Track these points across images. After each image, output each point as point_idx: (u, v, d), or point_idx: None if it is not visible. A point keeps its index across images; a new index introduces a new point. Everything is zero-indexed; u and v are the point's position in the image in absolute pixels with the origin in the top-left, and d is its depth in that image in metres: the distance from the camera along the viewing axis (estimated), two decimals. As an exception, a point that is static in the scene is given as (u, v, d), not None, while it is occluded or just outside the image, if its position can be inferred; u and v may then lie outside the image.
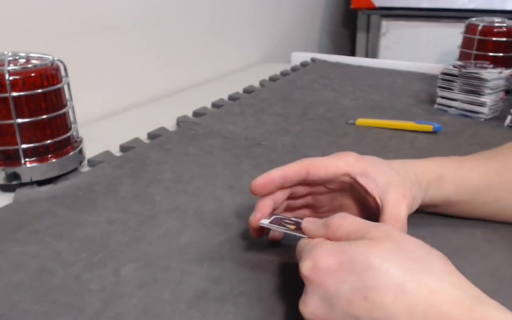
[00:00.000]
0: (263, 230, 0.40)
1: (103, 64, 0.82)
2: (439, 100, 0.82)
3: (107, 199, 0.49)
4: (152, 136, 0.68)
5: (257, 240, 0.41)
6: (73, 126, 0.57)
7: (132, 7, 0.86)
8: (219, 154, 0.62)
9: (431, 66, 1.12)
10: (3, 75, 0.48)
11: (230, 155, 0.61)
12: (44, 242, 0.42)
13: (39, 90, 0.50)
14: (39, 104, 0.51)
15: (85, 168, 0.58)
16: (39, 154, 0.52)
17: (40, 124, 0.51)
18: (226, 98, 0.88)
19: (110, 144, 0.63)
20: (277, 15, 1.40)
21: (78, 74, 0.63)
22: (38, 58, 0.53)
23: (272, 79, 1.04)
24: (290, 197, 0.41)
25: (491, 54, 0.90)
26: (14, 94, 0.49)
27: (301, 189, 0.41)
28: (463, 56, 0.96)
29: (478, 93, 0.77)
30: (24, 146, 0.51)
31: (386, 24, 1.51)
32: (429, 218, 0.45)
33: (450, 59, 0.98)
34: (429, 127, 0.71)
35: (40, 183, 0.52)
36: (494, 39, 0.90)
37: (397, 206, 0.37)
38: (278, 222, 0.37)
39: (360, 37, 1.87)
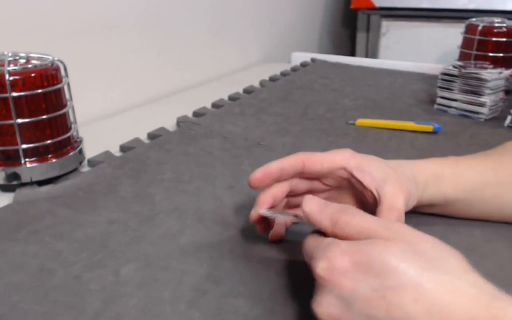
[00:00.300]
0: (267, 226, 0.40)
1: (103, 64, 0.82)
2: (439, 100, 0.82)
3: (107, 199, 0.49)
4: (152, 136, 0.68)
5: (257, 240, 0.41)
6: (73, 126, 0.57)
7: (132, 7, 0.86)
8: (219, 154, 0.62)
9: (431, 66, 1.12)
10: (3, 75, 0.48)
11: (230, 155, 0.61)
12: (44, 242, 0.42)
13: (39, 90, 0.50)
14: (39, 104, 0.51)
15: (85, 168, 0.58)
16: (39, 154, 0.52)
17: (40, 124, 0.51)
18: (226, 98, 0.88)
19: (110, 144, 0.63)
20: (277, 15, 1.40)
21: (78, 74, 0.63)
22: (38, 58, 0.53)
23: (272, 79, 1.04)
24: (289, 195, 0.41)
25: (491, 54, 0.90)
26: (14, 94, 0.49)
27: (300, 187, 0.41)
28: (463, 56, 0.96)
29: (478, 94, 0.77)
30: (24, 146, 0.51)
31: (386, 24, 1.51)
32: (429, 218, 0.45)
33: (450, 59, 0.98)
34: (429, 127, 0.71)
35: (40, 183, 0.52)
36: (494, 39, 0.90)
37: (394, 197, 0.37)
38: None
39: (360, 37, 1.87)
